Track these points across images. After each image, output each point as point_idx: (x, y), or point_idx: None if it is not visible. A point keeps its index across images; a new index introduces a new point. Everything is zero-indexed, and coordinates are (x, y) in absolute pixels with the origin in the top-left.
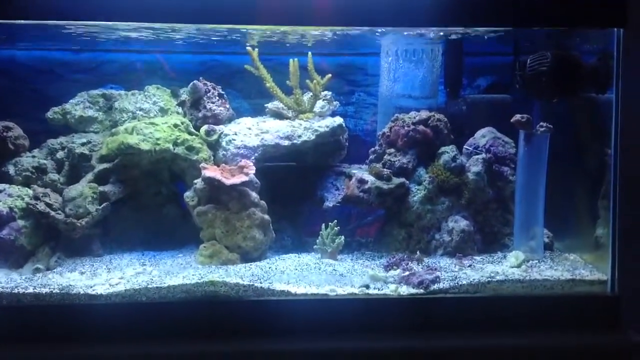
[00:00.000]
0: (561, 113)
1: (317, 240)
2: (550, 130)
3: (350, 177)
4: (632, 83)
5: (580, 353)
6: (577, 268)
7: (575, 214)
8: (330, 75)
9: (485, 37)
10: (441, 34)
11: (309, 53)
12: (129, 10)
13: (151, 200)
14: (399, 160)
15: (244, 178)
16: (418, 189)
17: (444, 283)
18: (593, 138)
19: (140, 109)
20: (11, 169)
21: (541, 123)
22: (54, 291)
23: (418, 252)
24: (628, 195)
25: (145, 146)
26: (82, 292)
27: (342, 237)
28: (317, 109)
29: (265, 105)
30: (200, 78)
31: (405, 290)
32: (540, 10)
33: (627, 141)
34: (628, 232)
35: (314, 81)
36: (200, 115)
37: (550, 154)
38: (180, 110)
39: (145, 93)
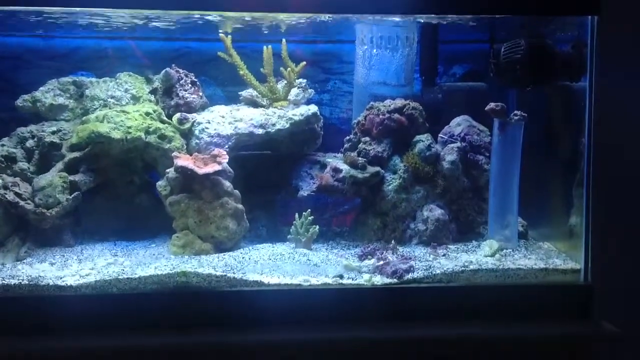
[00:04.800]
0: (535, 101)
1: (291, 230)
2: (525, 118)
3: (324, 166)
4: (606, 71)
5: (552, 342)
6: (551, 257)
7: (550, 202)
8: (304, 62)
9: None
10: (416, 21)
11: (283, 40)
12: None
13: (123, 190)
14: (373, 148)
15: (217, 167)
16: (393, 178)
17: (417, 272)
18: (567, 126)
19: (112, 97)
20: None
21: (515, 111)
22: (22, 282)
23: (393, 242)
24: (602, 184)
25: (116, 135)
26: (51, 283)
27: (317, 227)
28: (291, 97)
29: (239, 93)
30: (173, 65)
31: (379, 280)
32: None
33: (600, 129)
34: (601, 221)
35: (288, 69)
36: (172, 103)
37: (524, 142)
38: (152, 98)
39: (117, 80)
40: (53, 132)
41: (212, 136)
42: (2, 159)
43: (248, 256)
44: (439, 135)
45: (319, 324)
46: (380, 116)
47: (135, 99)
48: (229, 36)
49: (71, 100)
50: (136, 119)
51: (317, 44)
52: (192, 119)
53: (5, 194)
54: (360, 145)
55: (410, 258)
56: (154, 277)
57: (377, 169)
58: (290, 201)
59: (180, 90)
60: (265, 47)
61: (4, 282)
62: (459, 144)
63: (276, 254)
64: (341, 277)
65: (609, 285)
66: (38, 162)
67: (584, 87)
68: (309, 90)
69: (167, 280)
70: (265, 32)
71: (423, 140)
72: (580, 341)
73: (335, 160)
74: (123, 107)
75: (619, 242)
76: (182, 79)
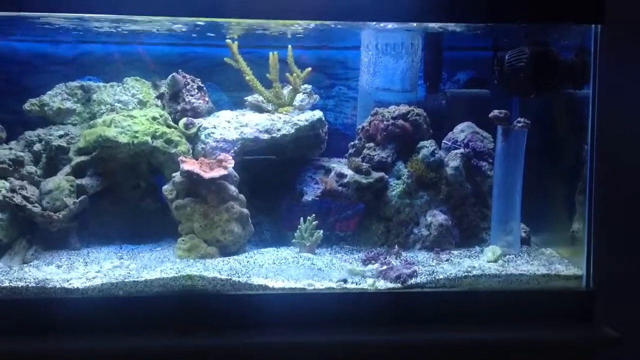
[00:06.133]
0: (539, 108)
1: (296, 234)
2: (528, 125)
3: (328, 171)
4: (609, 79)
5: (554, 348)
6: (553, 263)
7: (552, 209)
8: (310, 68)
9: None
10: (421, 28)
11: (289, 46)
12: (110, 3)
13: (129, 194)
14: (378, 154)
15: (223, 172)
16: (397, 184)
17: (421, 277)
18: (570, 133)
19: (119, 101)
20: None
21: (519, 118)
22: (29, 285)
23: (396, 247)
24: (604, 191)
25: (123, 139)
26: (58, 285)
27: (321, 231)
28: (296, 102)
29: (245, 98)
30: (180, 70)
31: (382, 284)
32: (518, 6)
33: (603, 137)
34: (603, 228)
35: (294, 74)
36: (179, 108)
37: (527, 149)
38: (159, 102)
39: (124, 85)
40: (60, 136)
41: (218, 141)
42: (10, 162)
43: (253, 260)
44: (443, 141)
45: (323, 328)
46: (385, 122)
47: (142, 103)
48: (236, 42)
49: (78, 105)
50: (143, 124)
51: (322, 50)
52: (198, 123)
53: (13, 197)
54: (364, 151)
55: (413, 263)
56: (159, 280)
57: (381, 174)
58: (295, 206)
59: (187, 95)
60: (271, 53)
61: (11, 284)
62: (462, 150)
63: (280, 258)
64: (345, 281)
65: (611, 291)
66: (45, 166)
67: (587, 94)
68: (314, 95)
69: (173, 284)
70: (271, 37)
71: (427, 146)
72: (582, 347)
73: (340, 166)
74: (130, 111)
75: (621, 249)
76: (188, 84)
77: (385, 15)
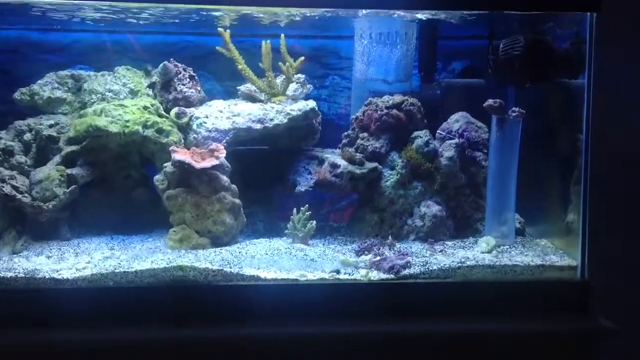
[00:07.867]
0: (534, 98)
1: (289, 225)
2: (523, 115)
3: (322, 162)
4: (604, 68)
5: (549, 338)
6: (548, 254)
7: (547, 199)
8: (303, 58)
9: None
10: (416, 16)
11: (282, 35)
12: None
13: (121, 184)
14: (371, 144)
15: (215, 162)
16: (391, 174)
17: (414, 268)
18: (565, 123)
19: (110, 91)
20: None
21: (514, 108)
22: (19, 275)
23: (390, 237)
24: (599, 181)
25: (114, 128)
26: (47, 276)
27: (314, 222)
28: (290, 92)
29: (238, 87)
30: (171, 59)
31: (375, 275)
32: None
33: (598, 127)
34: (598, 218)
35: (287, 64)
36: (170, 97)
37: (522, 139)
38: (150, 92)
39: (115, 74)
40: (51, 126)
41: (210, 130)
42: (0, 152)
43: (245, 251)
44: (437, 131)
45: (315, 319)
46: (379, 112)
47: (133, 92)
48: (228, 30)
49: (69, 94)
50: (134, 113)
51: (316, 39)
52: (190, 113)
53: (3, 187)
54: (358, 141)
55: (407, 254)
56: (150, 271)
57: (375, 164)
58: (288, 196)
59: (179, 84)
60: (263, 42)
61: (0, 275)
62: (457, 140)
63: (273, 249)
64: (338, 272)
65: (605, 282)
66: (35, 156)
67: (583, 83)
68: (307, 85)
69: (164, 274)
70: (265, 25)
71: (421, 136)
72: (577, 337)
73: (333, 156)
74: (121, 100)
75: (616, 239)
76: (180, 73)
77: (380, 3)
